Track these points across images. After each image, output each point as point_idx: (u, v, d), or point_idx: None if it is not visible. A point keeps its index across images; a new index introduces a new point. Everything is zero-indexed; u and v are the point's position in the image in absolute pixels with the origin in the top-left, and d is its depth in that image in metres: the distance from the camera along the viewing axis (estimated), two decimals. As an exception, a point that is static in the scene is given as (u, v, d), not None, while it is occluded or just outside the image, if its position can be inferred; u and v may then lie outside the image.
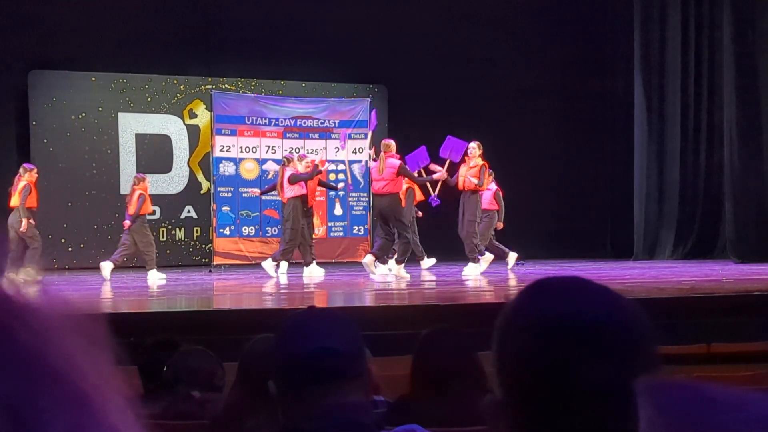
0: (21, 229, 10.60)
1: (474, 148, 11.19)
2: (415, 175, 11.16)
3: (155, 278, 10.93)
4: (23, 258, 10.60)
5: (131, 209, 11.07)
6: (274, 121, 14.11)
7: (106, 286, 10.30)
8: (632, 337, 0.98)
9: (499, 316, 1.03)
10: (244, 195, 13.58)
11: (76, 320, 0.49)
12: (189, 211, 14.54)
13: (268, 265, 11.17)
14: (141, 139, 14.28)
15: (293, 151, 13.08)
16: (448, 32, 14.83)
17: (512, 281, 10.38)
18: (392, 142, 10.75)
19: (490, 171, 11.54)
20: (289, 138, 14.13)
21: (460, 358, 2.90)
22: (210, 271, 12.90)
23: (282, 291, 9.73)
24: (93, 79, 13.99)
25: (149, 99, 14.33)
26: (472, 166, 11.11)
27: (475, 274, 10.91)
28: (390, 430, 2.07)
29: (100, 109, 14.02)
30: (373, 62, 14.70)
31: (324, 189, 13.06)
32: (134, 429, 0.49)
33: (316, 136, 14.31)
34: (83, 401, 0.46)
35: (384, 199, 10.42)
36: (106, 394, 0.48)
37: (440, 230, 12.39)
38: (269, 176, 13.90)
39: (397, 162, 10.43)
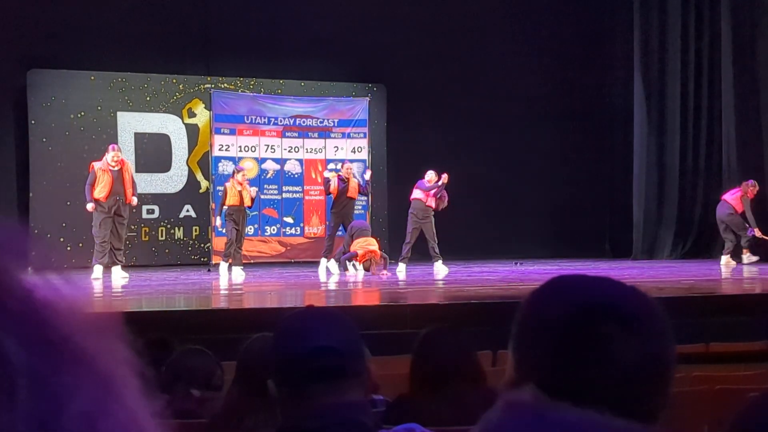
0: None
1: None
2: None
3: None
4: None
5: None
6: (273, 120, 14.09)
7: (103, 284, 10.26)
8: (658, 320, 1.04)
9: (520, 310, 1.07)
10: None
11: (97, 314, 0.52)
12: (188, 210, 14.50)
13: None
14: (140, 138, 14.26)
15: (292, 150, 13.03)
16: (448, 32, 14.81)
17: (510, 281, 10.37)
18: None
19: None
20: (288, 137, 14.12)
21: (459, 357, 2.90)
22: (209, 270, 12.87)
23: (281, 290, 9.72)
24: (92, 78, 13.97)
25: (148, 98, 14.30)
26: None
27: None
28: (389, 429, 2.06)
29: (99, 108, 13.99)
30: (372, 61, 14.69)
31: (322, 189, 13.14)
32: (149, 414, 0.50)
33: (315, 135, 14.29)
34: (105, 382, 0.48)
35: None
36: (125, 379, 0.50)
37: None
38: (268, 175, 13.87)
39: None
